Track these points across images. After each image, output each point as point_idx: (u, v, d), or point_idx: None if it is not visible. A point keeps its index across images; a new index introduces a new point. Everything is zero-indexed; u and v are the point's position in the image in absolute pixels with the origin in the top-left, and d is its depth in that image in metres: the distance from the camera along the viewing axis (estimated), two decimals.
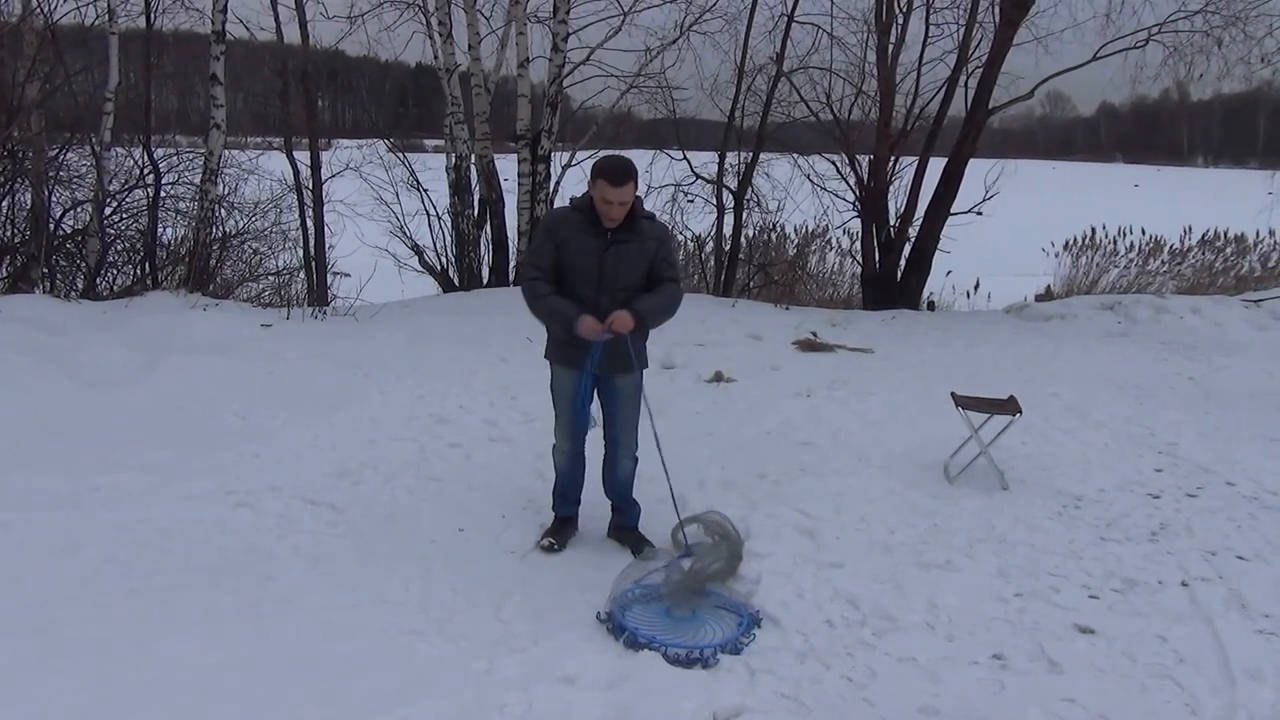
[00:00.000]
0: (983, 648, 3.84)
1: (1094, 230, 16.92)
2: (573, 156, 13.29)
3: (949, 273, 13.52)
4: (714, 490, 5.55)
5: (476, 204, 12.94)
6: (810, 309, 12.42)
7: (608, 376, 4.56)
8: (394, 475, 5.69)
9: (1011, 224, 16.94)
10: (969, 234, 12.76)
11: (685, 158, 13.58)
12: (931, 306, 13.48)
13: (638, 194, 4.47)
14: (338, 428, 6.45)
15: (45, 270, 9.96)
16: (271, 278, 12.80)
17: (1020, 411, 5.90)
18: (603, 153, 12.91)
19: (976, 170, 12.75)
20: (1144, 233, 16.85)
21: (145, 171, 10.91)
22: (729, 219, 13.76)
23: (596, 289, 4.36)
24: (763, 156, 13.69)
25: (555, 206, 4.67)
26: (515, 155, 12.43)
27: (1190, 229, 17.13)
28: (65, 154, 10.44)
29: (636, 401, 4.65)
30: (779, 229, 15.12)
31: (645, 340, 4.63)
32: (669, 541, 4.61)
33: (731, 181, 13.65)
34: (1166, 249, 16.75)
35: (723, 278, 13.53)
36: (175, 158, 11.67)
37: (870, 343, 9.96)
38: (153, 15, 11.05)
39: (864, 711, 3.42)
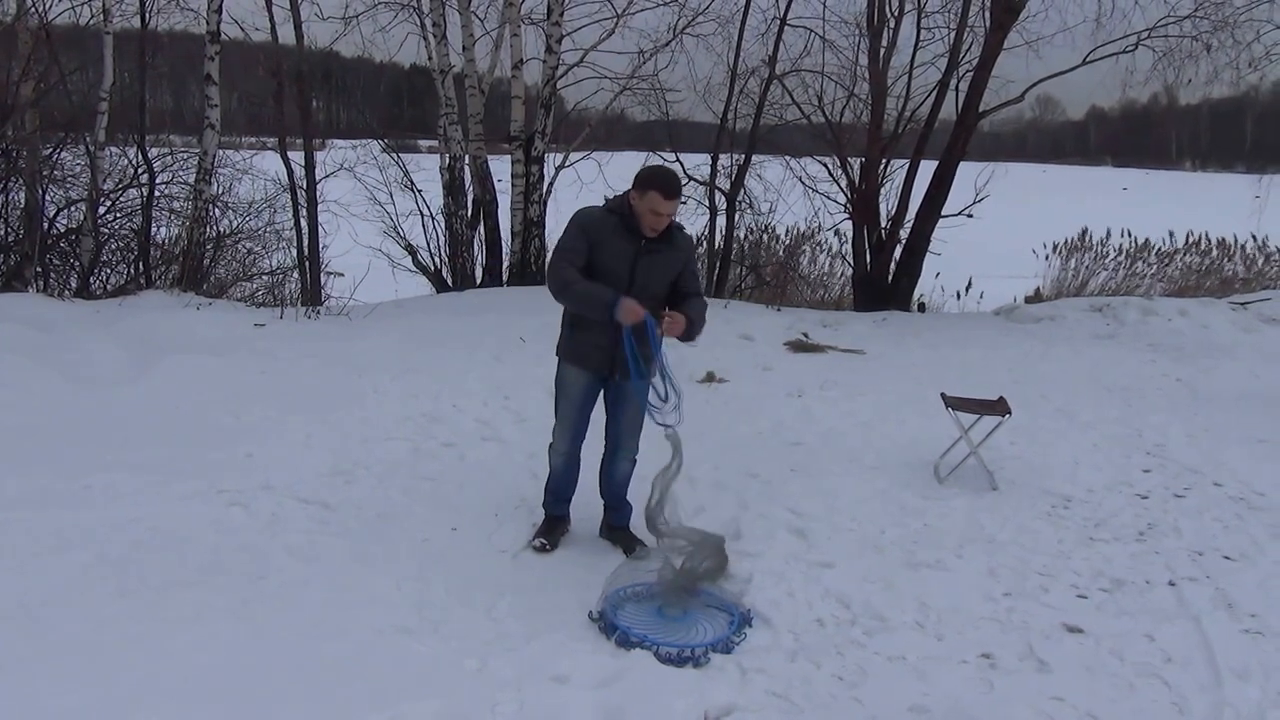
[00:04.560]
0: (972, 647, 3.87)
1: (1083, 233, 17.00)
2: (566, 158, 13.34)
3: (937, 274, 13.58)
4: (706, 490, 5.57)
5: (470, 204, 12.97)
6: (802, 310, 12.46)
7: (620, 381, 4.57)
8: (387, 475, 5.69)
9: (1001, 226, 17.00)
10: (960, 236, 12.81)
11: (678, 159, 13.61)
12: (922, 308, 13.54)
13: None
14: (331, 427, 6.45)
15: (39, 269, 9.96)
16: (265, 277, 12.83)
17: (1010, 412, 5.94)
18: (599, 154, 13.17)
19: (967, 173, 12.81)
20: (1128, 234, 16.94)
21: (139, 171, 10.92)
22: (721, 220, 13.81)
23: (625, 293, 4.34)
24: (755, 158, 13.74)
25: (586, 206, 4.64)
26: (509, 156, 12.44)
27: (1173, 233, 17.24)
28: (59, 153, 10.43)
29: (643, 408, 4.67)
30: (771, 230, 15.17)
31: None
32: (658, 540, 4.58)
33: (724, 183, 13.70)
34: (1154, 252, 16.84)
35: (715, 279, 13.56)
36: (169, 157, 11.67)
37: (861, 344, 10.00)
38: (147, 15, 11.07)
39: (854, 710, 3.44)
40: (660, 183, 4.28)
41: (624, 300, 4.22)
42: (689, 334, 4.46)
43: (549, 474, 4.91)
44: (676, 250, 4.48)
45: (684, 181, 13.28)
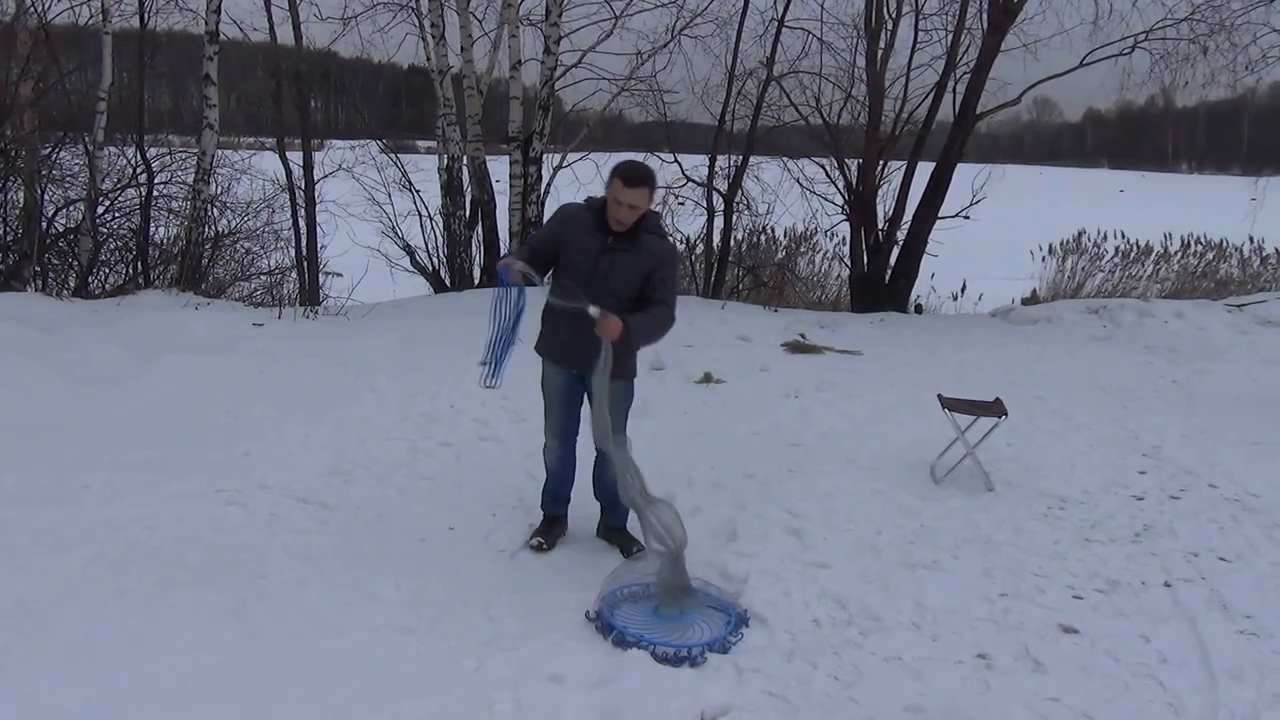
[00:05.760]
0: (968, 647, 3.88)
1: (1080, 234, 17.04)
2: (564, 158, 13.35)
3: (932, 275, 13.60)
4: (703, 490, 5.59)
5: (468, 205, 12.97)
6: (799, 311, 12.48)
7: (593, 379, 4.55)
8: (385, 474, 5.71)
9: (999, 228, 17.04)
10: (957, 237, 12.83)
11: (676, 160, 13.62)
12: (919, 309, 13.56)
13: (655, 210, 4.46)
14: (329, 427, 6.46)
15: (38, 269, 9.96)
16: (263, 277, 12.83)
17: (1006, 414, 5.96)
18: (597, 155, 13.18)
19: (964, 174, 12.84)
20: (1124, 237, 16.98)
21: (138, 171, 10.92)
22: (719, 221, 13.82)
23: (586, 291, 4.33)
24: (752, 160, 13.74)
25: (573, 201, 4.70)
26: (507, 157, 12.45)
27: (1170, 235, 17.29)
28: (58, 153, 10.43)
29: (624, 406, 4.66)
30: (769, 231, 15.19)
31: (631, 351, 4.58)
32: (605, 449, 4.48)
33: (721, 184, 13.70)
34: (1150, 254, 16.89)
35: (712, 280, 13.57)
36: (168, 157, 11.66)
37: (858, 345, 10.02)
38: (146, 15, 11.06)
39: (850, 710, 3.45)
40: (622, 170, 4.30)
41: (506, 256, 4.29)
42: (628, 341, 4.30)
43: (546, 474, 4.94)
44: (644, 254, 4.40)
45: (682, 183, 13.54)
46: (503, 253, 12.67)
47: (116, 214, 11.01)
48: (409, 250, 13.33)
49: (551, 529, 4.92)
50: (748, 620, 4.07)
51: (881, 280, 12.97)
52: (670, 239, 4.66)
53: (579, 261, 4.37)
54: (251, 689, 3.39)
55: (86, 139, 10.43)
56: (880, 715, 3.42)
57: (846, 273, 14.08)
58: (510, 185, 12.43)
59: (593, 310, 4.21)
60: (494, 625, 4.00)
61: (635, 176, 4.29)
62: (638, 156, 12.79)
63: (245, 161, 12.78)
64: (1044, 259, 16.80)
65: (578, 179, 12.48)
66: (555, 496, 4.96)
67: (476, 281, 12.87)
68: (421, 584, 4.34)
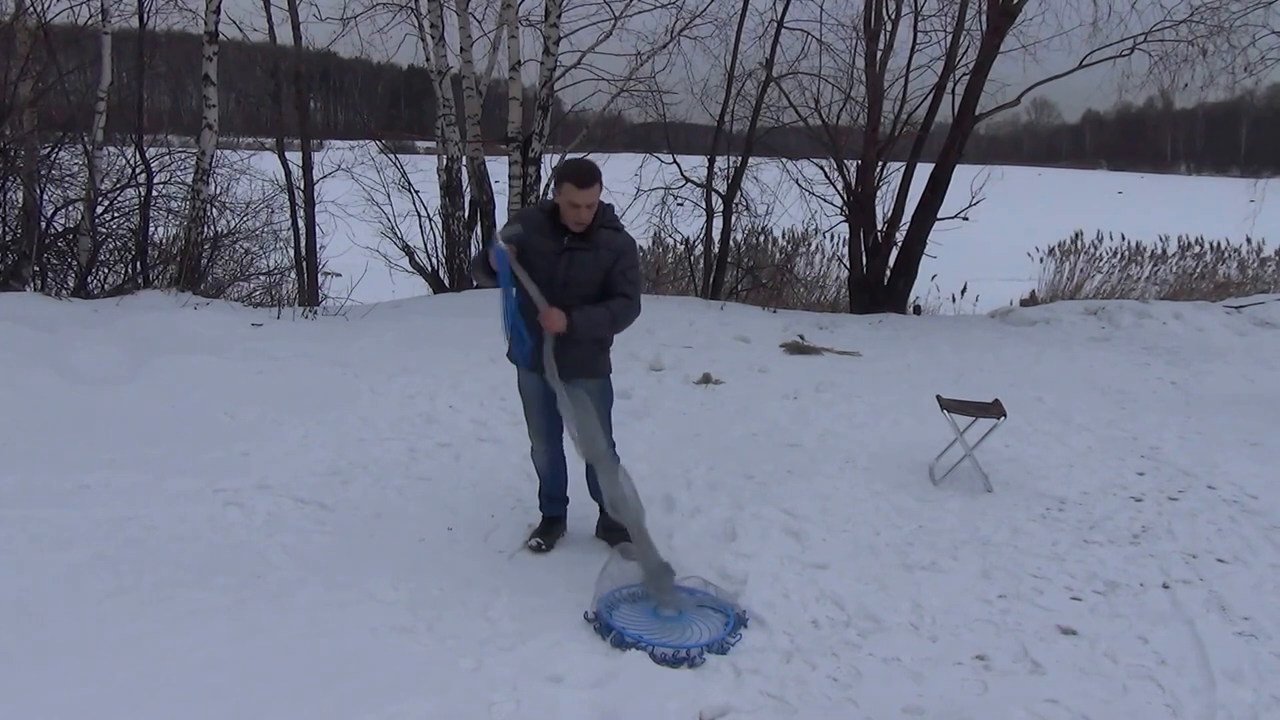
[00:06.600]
0: (966, 648, 3.89)
1: (1078, 236, 17.05)
2: (563, 159, 13.34)
3: (934, 276, 13.61)
4: (701, 491, 5.59)
5: (467, 205, 12.97)
6: (798, 312, 12.49)
7: (569, 383, 4.52)
8: (383, 474, 5.71)
9: (997, 229, 17.05)
10: (955, 239, 12.84)
11: (675, 161, 13.63)
12: (918, 310, 13.57)
13: (609, 203, 4.49)
14: (328, 427, 6.46)
15: (37, 268, 9.93)
16: (262, 277, 12.80)
17: (1004, 415, 5.97)
18: (596, 156, 13.20)
19: (963, 176, 12.85)
20: (1124, 239, 17.01)
21: (137, 171, 10.89)
22: (718, 222, 13.82)
23: (548, 292, 4.33)
24: (752, 161, 13.75)
25: (528, 205, 4.72)
26: (506, 157, 12.45)
27: (1167, 236, 17.31)
28: (57, 152, 10.40)
29: (605, 408, 4.66)
30: (768, 232, 15.19)
31: (600, 349, 4.60)
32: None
33: (721, 185, 13.71)
34: (1148, 255, 16.91)
35: (711, 280, 13.58)
36: (167, 157, 11.61)
37: (857, 346, 10.02)
38: (146, 15, 11.06)
39: (849, 711, 3.45)
40: (572, 174, 4.29)
41: (492, 250, 4.26)
42: (574, 332, 4.31)
43: (539, 478, 4.95)
44: (603, 251, 4.39)
45: (681, 183, 13.55)
46: None
47: (115, 214, 10.97)
48: (408, 251, 13.34)
49: (550, 530, 4.92)
50: (746, 621, 4.06)
51: (880, 281, 12.98)
52: (625, 229, 4.64)
53: (537, 264, 4.36)
54: (250, 688, 3.39)
55: (85, 139, 10.41)
56: (879, 716, 3.42)
57: (845, 274, 14.09)
58: (509, 186, 12.41)
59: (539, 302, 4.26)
60: (492, 625, 4.00)
61: (587, 176, 4.29)
62: (637, 157, 12.90)
63: (244, 161, 12.75)
64: (1042, 260, 16.81)
65: None
66: (551, 498, 4.96)
67: (475, 282, 12.85)
68: (420, 584, 4.33)
